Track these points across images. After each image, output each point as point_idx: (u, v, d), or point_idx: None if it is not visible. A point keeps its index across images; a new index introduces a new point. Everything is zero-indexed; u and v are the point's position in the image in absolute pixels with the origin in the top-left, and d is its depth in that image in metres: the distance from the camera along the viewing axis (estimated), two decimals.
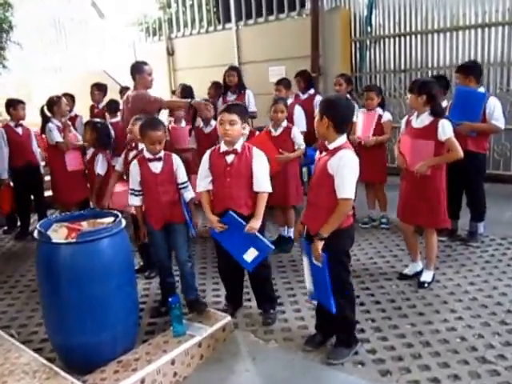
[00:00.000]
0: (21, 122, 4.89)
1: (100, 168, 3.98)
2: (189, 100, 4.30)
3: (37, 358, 2.54)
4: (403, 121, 3.57)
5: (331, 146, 2.49)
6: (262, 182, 2.83)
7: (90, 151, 4.13)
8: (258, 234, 2.80)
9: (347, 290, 2.61)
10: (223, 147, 2.87)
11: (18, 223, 5.16)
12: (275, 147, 3.90)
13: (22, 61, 6.95)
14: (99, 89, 5.92)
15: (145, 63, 4.22)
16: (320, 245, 2.44)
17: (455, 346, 2.69)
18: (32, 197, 5.08)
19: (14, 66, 5.66)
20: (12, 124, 4.86)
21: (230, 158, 2.84)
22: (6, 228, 5.27)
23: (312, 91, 5.43)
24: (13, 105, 4.82)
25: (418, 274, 3.56)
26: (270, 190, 2.86)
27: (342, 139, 2.49)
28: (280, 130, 4.08)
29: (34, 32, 7.94)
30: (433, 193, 3.31)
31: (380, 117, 4.50)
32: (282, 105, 4.02)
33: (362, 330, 2.89)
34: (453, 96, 4.10)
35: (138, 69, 4.14)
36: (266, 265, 3.04)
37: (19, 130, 4.87)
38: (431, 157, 3.25)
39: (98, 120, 4.35)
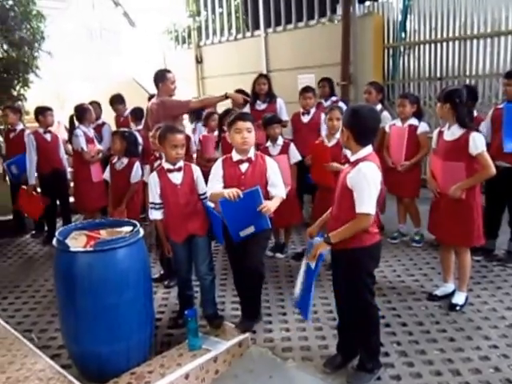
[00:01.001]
0: (49, 128, 4.98)
1: (141, 176, 3.98)
2: (224, 93, 4.26)
3: (52, 366, 2.56)
4: (435, 133, 3.40)
5: (353, 158, 2.39)
6: (278, 188, 2.84)
7: (125, 160, 4.06)
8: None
9: (371, 311, 2.47)
10: (236, 156, 2.86)
11: (46, 228, 5.24)
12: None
13: (55, 70, 7.16)
14: (121, 101, 5.93)
15: (168, 71, 4.23)
16: (323, 246, 2.37)
17: (488, 377, 2.50)
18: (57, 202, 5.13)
19: (47, 75, 5.81)
20: (41, 131, 4.94)
21: (244, 167, 2.83)
22: (34, 232, 5.39)
23: (334, 98, 5.30)
24: (42, 112, 4.90)
25: (449, 295, 3.36)
26: (284, 195, 2.87)
27: (365, 151, 2.36)
28: (334, 141, 3.86)
29: (68, 42, 8.20)
30: (465, 211, 3.14)
31: (415, 128, 4.29)
32: (338, 112, 3.84)
33: (387, 354, 2.73)
34: (504, 113, 3.84)
35: (161, 77, 4.15)
36: (261, 275, 2.98)
37: (48, 137, 4.96)
38: (464, 179, 3.09)
39: (125, 129, 4.36)
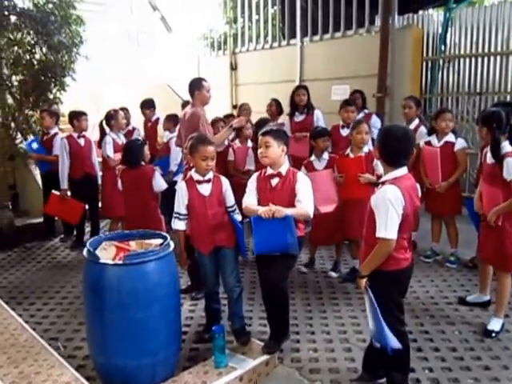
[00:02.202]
0: (83, 133, 4.99)
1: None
2: (229, 126, 4.24)
3: (78, 378, 2.54)
4: (484, 152, 3.27)
5: (382, 179, 2.35)
6: (303, 204, 2.72)
7: None
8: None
9: (400, 339, 2.35)
10: (269, 170, 2.86)
11: (75, 232, 5.23)
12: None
13: (93, 73, 7.27)
14: (150, 106, 5.95)
15: (204, 79, 4.20)
16: (361, 282, 2.34)
17: None
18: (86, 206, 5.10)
19: (84, 79, 5.85)
20: (75, 135, 4.96)
21: (274, 182, 2.82)
22: (62, 236, 5.39)
23: (366, 111, 5.20)
24: (76, 116, 4.92)
25: (479, 305, 3.32)
26: (309, 213, 2.74)
27: (396, 173, 2.29)
28: (360, 154, 3.76)
29: (106, 45, 8.31)
30: (499, 236, 3.05)
31: (452, 145, 4.15)
32: (366, 125, 3.74)
33: (418, 381, 2.63)
34: None
35: (197, 85, 4.11)
36: (283, 291, 2.84)
37: (81, 141, 4.96)
38: (500, 203, 3.01)
39: (132, 139, 4.35)
